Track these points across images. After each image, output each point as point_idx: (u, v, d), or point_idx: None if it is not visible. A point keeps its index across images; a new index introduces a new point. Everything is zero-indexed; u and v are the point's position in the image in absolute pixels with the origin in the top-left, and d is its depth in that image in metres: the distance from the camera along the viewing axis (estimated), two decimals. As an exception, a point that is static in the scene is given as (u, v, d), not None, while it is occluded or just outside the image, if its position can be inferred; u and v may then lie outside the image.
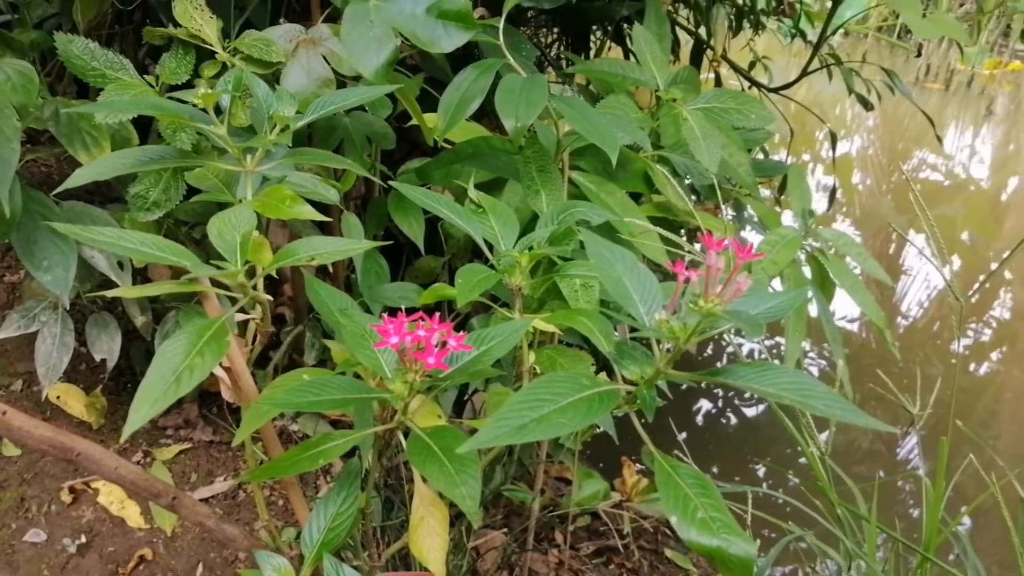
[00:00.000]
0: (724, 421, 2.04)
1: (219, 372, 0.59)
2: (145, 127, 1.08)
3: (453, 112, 0.86)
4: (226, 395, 0.62)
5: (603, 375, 0.51)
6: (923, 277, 2.94)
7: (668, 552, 1.42)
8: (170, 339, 0.47)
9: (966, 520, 1.69)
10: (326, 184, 0.84)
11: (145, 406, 0.44)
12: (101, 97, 0.81)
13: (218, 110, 0.65)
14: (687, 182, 1.35)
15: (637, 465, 1.55)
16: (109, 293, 0.51)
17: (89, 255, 0.99)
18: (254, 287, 0.54)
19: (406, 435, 0.54)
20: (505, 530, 1.29)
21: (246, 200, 0.59)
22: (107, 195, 1.26)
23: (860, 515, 0.90)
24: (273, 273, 0.55)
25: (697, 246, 1.20)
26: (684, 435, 1.59)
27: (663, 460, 0.44)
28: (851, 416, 0.41)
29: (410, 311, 0.51)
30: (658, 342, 0.47)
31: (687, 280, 0.45)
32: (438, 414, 0.57)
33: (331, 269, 1.29)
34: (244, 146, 0.62)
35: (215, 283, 0.58)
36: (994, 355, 2.51)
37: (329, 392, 0.49)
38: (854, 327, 2.51)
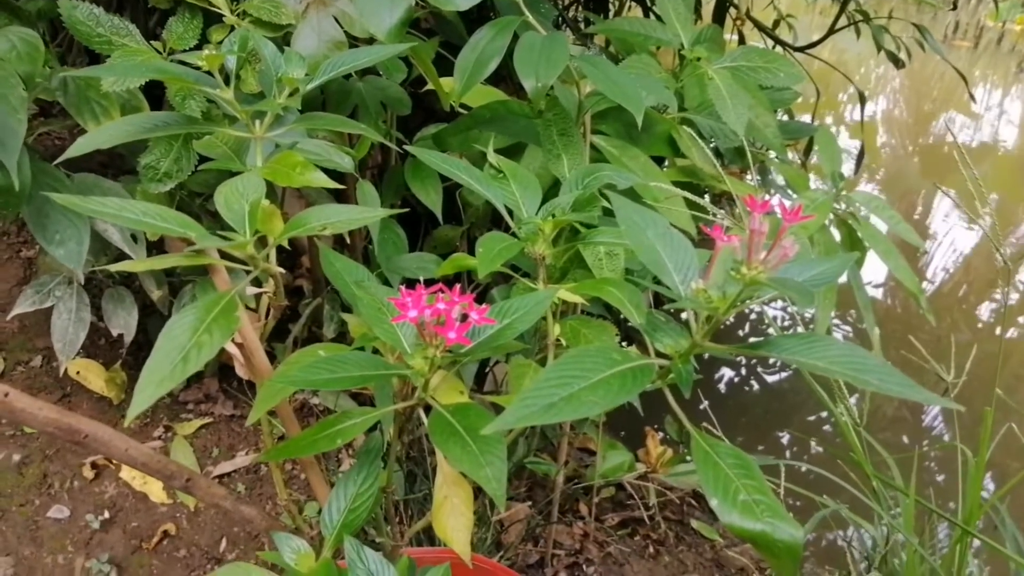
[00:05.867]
0: (747, 389, 2.01)
1: (232, 348, 0.57)
2: (158, 98, 1.05)
3: (470, 74, 0.83)
4: (240, 371, 0.60)
5: (633, 348, 0.48)
6: (950, 241, 2.87)
7: (694, 523, 1.41)
8: (177, 316, 0.44)
9: (990, 487, 1.66)
10: (340, 151, 0.82)
11: (151, 387, 0.42)
12: (107, 64, 0.78)
13: (226, 75, 0.62)
14: (711, 145, 1.31)
15: (660, 434, 1.53)
16: (115, 267, 0.49)
17: (103, 228, 0.97)
18: (266, 258, 0.52)
19: (427, 411, 0.52)
20: (529, 503, 1.28)
21: (255, 167, 0.56)
22: (120, 167, 1.24)
23: (897, 488, 0.87)
24: (285, 244, 0.52)
25: (722, 212, 1.17)
26: (706, 403, 1.56)
27: (701, 439, 0.41)
28: (908, 391, 0.37)
29: (429, 282, 0.48)
30: (694, 313, 0.44)
31: (726, 246, 0.41)
32: (460, 390, 0.55)
33: (348, 240, 1.26)
34: (252, 110, 0.59)
35: (228, 256, 0.56)
36: (1022, 319, 2.45)
37: (345, 369, 0.47)
38: (879, 293, 2.46)
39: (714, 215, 1.02)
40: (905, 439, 1.92)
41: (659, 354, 0.46)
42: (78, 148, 0.57)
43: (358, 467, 0.54)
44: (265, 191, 0.52)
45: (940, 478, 1.78)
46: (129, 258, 0.95)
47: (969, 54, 5.15)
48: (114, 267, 0.48)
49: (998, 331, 2.37)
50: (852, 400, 1.10)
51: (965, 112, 4.20)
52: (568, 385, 0.39)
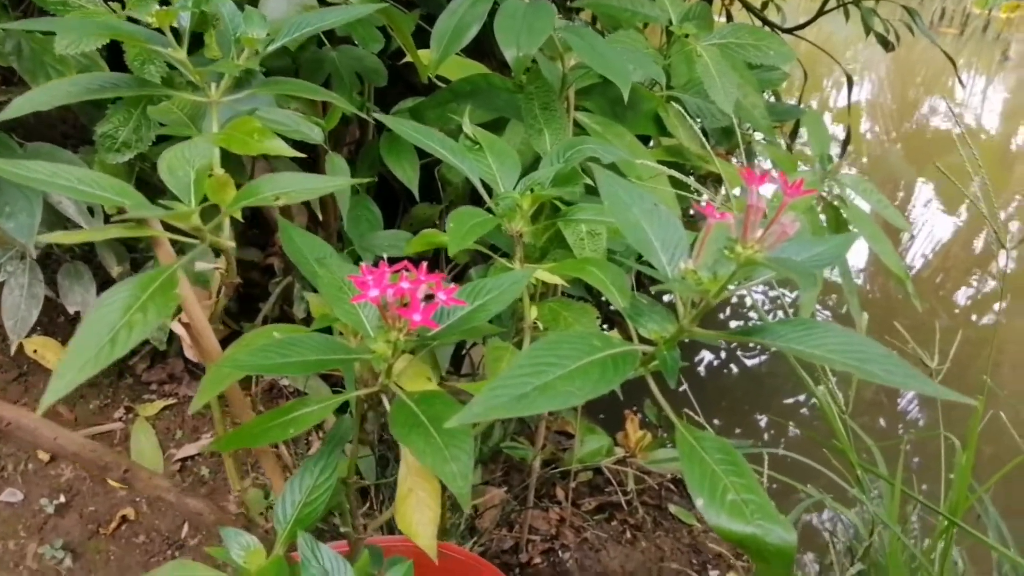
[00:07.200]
0: (726, 372, 2.00)
1: (178, 329, 0.53)
2: (124, 68, 1.00)
3: (448, 42, 0.78)
4: (188, 353, 0.56)
5: (615, 332, 0.45)
6: (929, 228, 2.88)
7: (672, 508, 1.39)
8: (109, 292, 0.40)
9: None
10: (310, 122, 0.77)
11: (71, 371, 0.37)
12: (52, 19, 0.73)
13: (178, 34, 0.57)
14: (698, 125, 1.28)
15: (639, 416, 1.51)
16: (45, 238, 0.45)
17: (56, 200, 0.92)
18: (216, 231, 0.48)
19: (392, 399, 0.48)
20: (505, 487, 1.25)
21: (208, 133, 0.52)
22: (83, 138, 1.18)
23: (883, 477, 0.85)
24: (238, 216, 0.48)
25: (708, 193, 1.13)
26: (685, 386, 1.54)
27: (686, 432, 0.38)
28: (916, 383, 0.34)
29: (409, 261, 0.44)
30: (681, 296, 0.41)
31: (717, 223, 0.38)
32: (427, 376, 0.51)
33: (320, 217, 1.22)
34: (207, 71, 0.55)
35: (180, 230, 0.51)
36: (997, 306, 2.46)
37: (299, 353, 0.43)
38: (858, 278, 2.45)
39: (700, 194, 0.99)
40: (882, 422, 1.92)
41: (643, 339, 0.42)
42: (15, 110, 0.52)
43: (316, 457, 0.50)
44: (213, 156, 0.48)
45: (915, 460, 1.76)
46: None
47: (955, 41, 5.14)
48: (45, 238, 0.44)
49: (973, 317, 2.37)
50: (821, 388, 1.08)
51: (950, 99, 4.19)
52: (543, 373, 0.35)
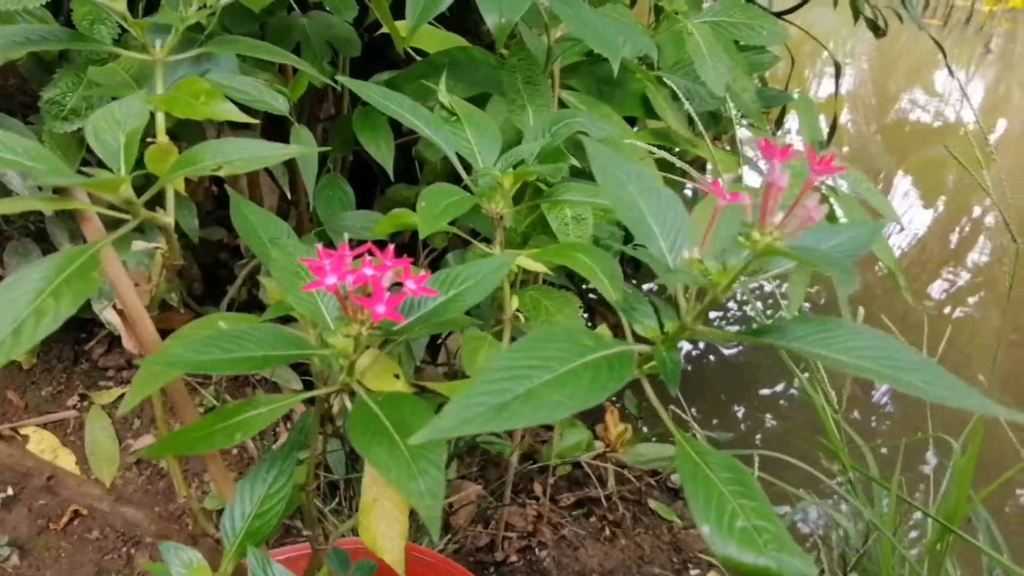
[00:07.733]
0: (704, 362, 1.96)
1: (112, 316, 0.47)
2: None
3: (423, 7, 0.72)
4: (126, 344, 0.50)
5: (604, 329, 0.40)
6: (906, 221, 2.87)
7: (652, 503, 1.35)
8: (19, 273, 0.34)
9: (932, 460, 1.62)
10: (274, 91, 0.71)
11: (-43, 371, 0.32)
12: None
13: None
14: (685, 108, 1.24)
15: (619, 406, 1.47)
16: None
17: (1, 173, 0.85)
18: (152, 205, 0.42)
19: (354, 397, 0.43)
20: (481, 483, 1.21)
21: (143, 92, 0.46)
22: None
23: (880, 483, 0.81)
24: (180, 188, 0.43)
25: (708, 177, 1.09)
26: (659, 377, 1.49)
27: (688, 447, 0.33)
28: (961, 397, 0.30)
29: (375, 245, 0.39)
30: (685, 289, 0.36)
31: (728, 206, 0.33)
32: (395, 373, 0.46)
33: (291, 196, 1.16)
34: (146, 22, 0.49)
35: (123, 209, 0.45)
36: (971, 299, 2.45)
37: (244, 348, 0.38)
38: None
39: (690, 178, 0.94)
40: (857, 415, 1.89)
41: (638, 338, 0.37)
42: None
43: (268, 462, 0.44)
44: (158, 123, 0.42)
45: (883, 451, 1.75)
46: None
47: (937, 33, 5.13)
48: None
49: (947, 310, 2.35)
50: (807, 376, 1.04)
51: (929, 92, 4.20)
52: (526, 379, 0.30)
